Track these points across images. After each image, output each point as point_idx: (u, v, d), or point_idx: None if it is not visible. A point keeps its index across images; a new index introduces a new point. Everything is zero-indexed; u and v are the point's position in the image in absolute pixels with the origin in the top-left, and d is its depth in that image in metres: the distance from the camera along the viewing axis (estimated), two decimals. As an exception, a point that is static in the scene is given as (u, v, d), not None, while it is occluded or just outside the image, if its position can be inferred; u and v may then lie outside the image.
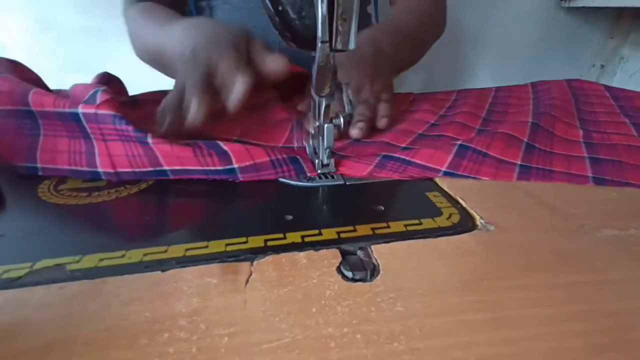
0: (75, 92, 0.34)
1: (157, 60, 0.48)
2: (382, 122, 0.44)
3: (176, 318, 0.19)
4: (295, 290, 0.21)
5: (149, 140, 0.31)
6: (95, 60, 0.97)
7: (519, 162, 0.35)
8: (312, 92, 0.31)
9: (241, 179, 0.32)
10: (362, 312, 0.19)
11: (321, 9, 0.25)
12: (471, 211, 0.28)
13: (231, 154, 0.32)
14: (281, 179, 0.32)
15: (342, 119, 0.34)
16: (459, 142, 0.36)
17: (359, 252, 0.23)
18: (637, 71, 1.13)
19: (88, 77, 0.42)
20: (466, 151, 0.35)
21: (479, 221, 0.27)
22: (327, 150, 0.33)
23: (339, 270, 0.22)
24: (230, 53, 0.37)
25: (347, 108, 0.33)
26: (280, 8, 0.25)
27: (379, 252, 0.23)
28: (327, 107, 0.32)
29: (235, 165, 0.31)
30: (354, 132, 0.41)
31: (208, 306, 0.19)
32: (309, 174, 0.33)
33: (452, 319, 0.19)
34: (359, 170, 0.34)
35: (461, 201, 0.29)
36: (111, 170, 0.31)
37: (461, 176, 0.33)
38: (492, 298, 0.20)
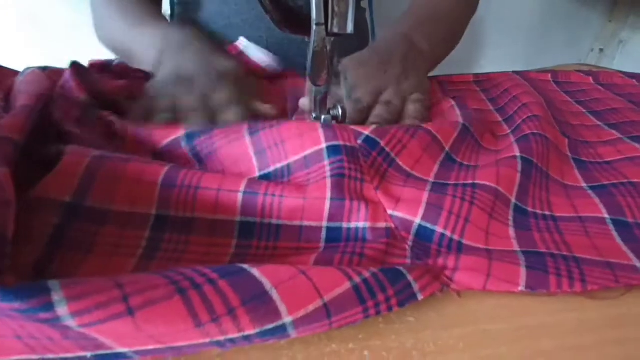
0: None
1: (124, 57, 0.45)
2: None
3: None
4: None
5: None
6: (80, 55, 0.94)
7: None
8: (308, 81, 0.29)
9: (295, 336, 0.16)
10: (368, 325, 0.17)
11: (316, -12, 0.22)
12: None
13: (276, 297, 0.16)
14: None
15: (340, 110, 0.31)
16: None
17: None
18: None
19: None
20: None
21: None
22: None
23: None
24: (229, 88, 0.34)
25: (345, 99, 0.30)
26: (270, -12, 0.23)
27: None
28: (324, 97, 0.29)
29: (287, 319, 0.16)
30: None
31: None
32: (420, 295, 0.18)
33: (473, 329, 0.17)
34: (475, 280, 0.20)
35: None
36: None
37: None
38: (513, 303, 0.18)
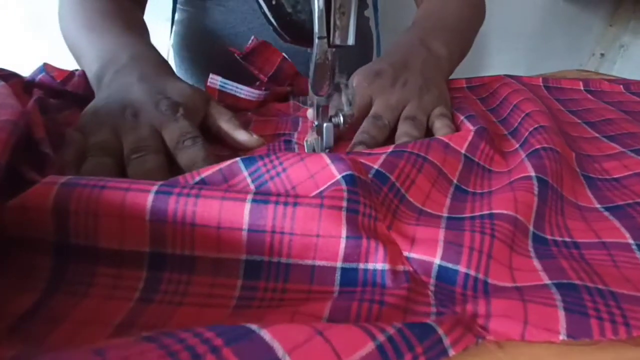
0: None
1: (75, 60, 0.42)
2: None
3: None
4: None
5: None
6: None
7: None
8: (310, 92, 0.30)
9: None
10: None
11: (317, 3, 0.23)
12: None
13: None
14: None
15: (341, 118, 0.32)
16: None
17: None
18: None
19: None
20: None
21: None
22: (327, 151, 0.31)
23: None
24: (185, 120, 0.30)
25: (346, 108, 0.31)
26: (274, 2, 0.24)
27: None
28: (326, 105, 0.30)
29: None
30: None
31: None
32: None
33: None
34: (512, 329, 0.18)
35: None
36: None
37: None
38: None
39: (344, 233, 0.20)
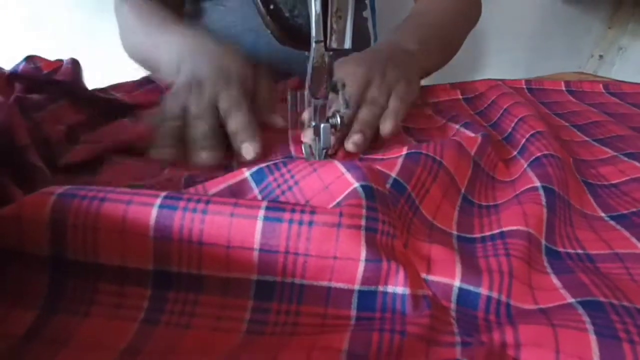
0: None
1: (147, 66, 0.48)
2: (386, 127, 0.34)
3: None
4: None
5: None
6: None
7: None
8: (307, 93, 0.30)
9: None
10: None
11: (314, 7, 0.24)
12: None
13: None
14: None
15: (338, 118, 0.33)
16: None
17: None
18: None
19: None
20: None
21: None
22: (324, 151, 0.32)
23: None
24: (238, 91, 0.34)
25: (343, 109, 0.32)
26: (272, 7, 0.25)
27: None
28: (323, 106, 0.31)
29: None
30: (349, 146, 0.33)
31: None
32: None
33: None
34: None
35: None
36: None
37: None
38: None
39: (363, 255, 0.19)
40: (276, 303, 0.18)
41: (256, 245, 0.18)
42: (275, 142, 0.37)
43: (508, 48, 1.14)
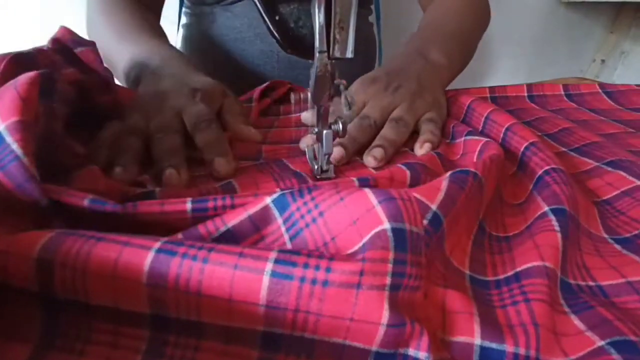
0: None
1: (109, 67, 0.46)
2: (423, 148, 0.33)
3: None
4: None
5: None
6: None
7: None
8: (310, 100, 0.31)
9: None
10: None
11: (318, 19, 0.25)
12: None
13: None
14: None
15: (340, 125, 0.33)
16: None
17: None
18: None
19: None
20: None
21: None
22: (326, 157, 0.33)
23: None
24: (204, 104, 0.33)
25: (345, 110, 0.32)
26: (277, 17, 0.25)
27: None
28: (326, 112, 0.32)
29: None
30: (368, 159, 0.32)
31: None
32: None
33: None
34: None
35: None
36: None
37: None
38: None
39: (385, 320, 0.16)
40: (283, 355, 0.17)
41: (262, 302, 0.16)
42: (247, 152, 0.35)
43: (510, 53, 1.15)
